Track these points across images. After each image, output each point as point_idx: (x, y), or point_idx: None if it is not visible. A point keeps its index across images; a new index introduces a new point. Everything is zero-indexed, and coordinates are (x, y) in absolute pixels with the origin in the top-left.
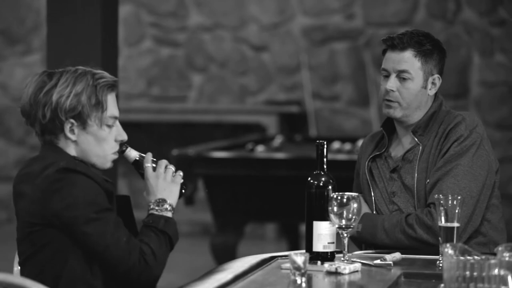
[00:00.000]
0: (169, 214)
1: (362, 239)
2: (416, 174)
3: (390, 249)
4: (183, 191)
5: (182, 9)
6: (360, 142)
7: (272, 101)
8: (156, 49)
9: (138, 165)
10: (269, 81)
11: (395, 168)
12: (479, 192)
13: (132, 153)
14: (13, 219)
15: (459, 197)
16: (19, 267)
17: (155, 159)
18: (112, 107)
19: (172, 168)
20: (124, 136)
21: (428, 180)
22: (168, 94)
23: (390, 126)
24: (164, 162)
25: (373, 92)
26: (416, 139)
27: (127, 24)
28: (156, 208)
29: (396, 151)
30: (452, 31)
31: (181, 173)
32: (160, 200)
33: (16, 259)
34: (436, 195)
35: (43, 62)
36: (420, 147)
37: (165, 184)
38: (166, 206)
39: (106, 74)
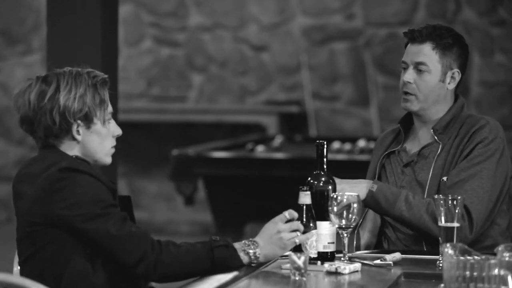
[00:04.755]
0: (241, 254)
1: (371, 202)
2: (431, 170)
3: (392, 250)
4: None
5: (182, 9)
6: (360, 142)
7: (272, 101)
8: (156, 49)
9: (299, 209)
10: (269, 81)
11: (409, 162)
12: (497, 197)
13: (307, 200)
14: (13, 219)
15: (459, 197)
16: (19, 267)
17: (312, 227)
18: (110, 103)
19: (299, 234)
20: (119, 131)
21: (443, 178)
22: (168, 94)
23: (406, 123)
24: (299, 226)
25: (373, 92)
26: (436, 137)
27: (127, 24)
28: (246, 245)
29: (412, 146)
30: None
31: (297, 242)
32: (256, 244)
33: (16, 259)
34: (436, 195)
35: (43, 62)
36: (440, 145)
37: (275, 240)
38: (252, 250)
39: (97, 71)
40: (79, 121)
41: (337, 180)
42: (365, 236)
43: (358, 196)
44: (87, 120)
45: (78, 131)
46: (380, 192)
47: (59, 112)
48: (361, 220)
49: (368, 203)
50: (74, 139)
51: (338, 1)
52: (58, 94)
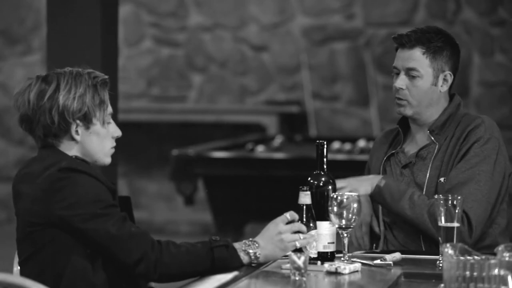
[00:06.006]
0: (241, 254)
1: (377, 196)
2: (428, 172)
3: (392, 251)
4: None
5: (182, 9)
6: (360, 142)
7: (272, 101)
8: (156, 49)
9: (299, 209)
10: (269, 81)
11: (407, 164)
12: (496, 198)
13: (307, 200)
14: (13, 219)
15: (459, 197)
16: (19, 267)
17: (312, 227)
18: (109, 104)
19: (301, 238)
20: (119, 133)
21: (441, 179)
22: (168, 94)
23: (405, 124)
24: (301, 227)
25: (373, 92)
26: (432, 138)
27: (127, 24)
28: (246, 245)
29: (410, 148)
30: (452, 31)
31: (298, 245)
32: (256, 244)
33: (16, 259)
34: (437, 195)
35: (43, 62)
36: (437, 146)
37: (276, 241)
38: (253, 250)
39: (97, 72)
40: (78, 121)
41: (344, 180)
42: (365, 239)
43: (358, 196)
44: (86, 120)
45: (77, 131)
46: (387, 188)
47: (58, 112)
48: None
49: (374, 196)
50: (73, 139)
51: (338, 1)
52: (58, 93)
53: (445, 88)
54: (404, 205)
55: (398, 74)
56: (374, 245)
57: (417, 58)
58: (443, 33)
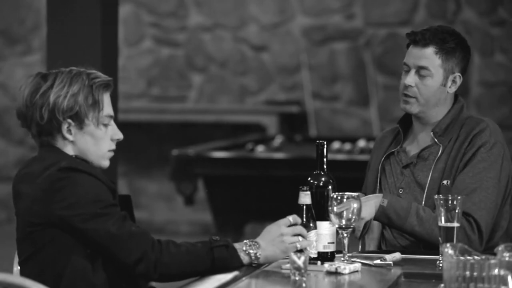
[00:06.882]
0: (241, 254)
1: (383, 217)
2: (431, 173)
3: (392, 250)
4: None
5: (182, 9)
6: (360, 142)
7: (272, 101)
8: (156, 49)
9: (299, 209)
10: (269, 81)
11: (408, 164)
12: (500, 202)
13: (307, 200)
14: (13, 219)
15: (459, 197)
16: (19, 267)
17: (312, 227)
18: (107, 107)
19: (301, 240)
20: (119, 135)
21: (444, 182)
22: (168, 94)
23: (405, 123)
24: (303, 231)
25: (373, 92)
26: (436, 140)
27: (127, 24)
28: (247, 245)
29: (411, 147)
30: None
31: (299, 247)
32: (257, 245)
33: (16, 259)
34: (436, 195)
35: (43, 62)
36: (441, 148)
37: (277, 242)
38: (253, 251)
39: (100, 73)
40: (69, 120)
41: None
42: (371, 244)
43: (358, 195)
44: (78, 120)
45: (69, 130)
46: (391, 207)
47: (48, 109)
48: (366, 230)
49: (379, 218)
50: (65, 138)
51: (338, 1)
52: (50, 91)
53: (453, 89)
54: (412, 222)
55: (407, 71)
56: (366, 245)
57: (430, 57)
58: (457, 35)
